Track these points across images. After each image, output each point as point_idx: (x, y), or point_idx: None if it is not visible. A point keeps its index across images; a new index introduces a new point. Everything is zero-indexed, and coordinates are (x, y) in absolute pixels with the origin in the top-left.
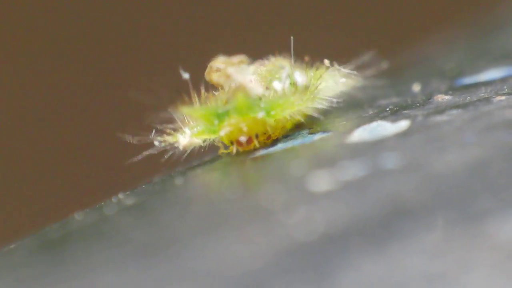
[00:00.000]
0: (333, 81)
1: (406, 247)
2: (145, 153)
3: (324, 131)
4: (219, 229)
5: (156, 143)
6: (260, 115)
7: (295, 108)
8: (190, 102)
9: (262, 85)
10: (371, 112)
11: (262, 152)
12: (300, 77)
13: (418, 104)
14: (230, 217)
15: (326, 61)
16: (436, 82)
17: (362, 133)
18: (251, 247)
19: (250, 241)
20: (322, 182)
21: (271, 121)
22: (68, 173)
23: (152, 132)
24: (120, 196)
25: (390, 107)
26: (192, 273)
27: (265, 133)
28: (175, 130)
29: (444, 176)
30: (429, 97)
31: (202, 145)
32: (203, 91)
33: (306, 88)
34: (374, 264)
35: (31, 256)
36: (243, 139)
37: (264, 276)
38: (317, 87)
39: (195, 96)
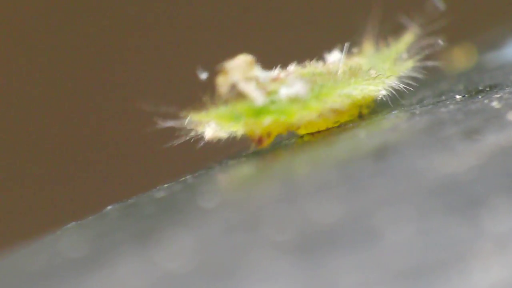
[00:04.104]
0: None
1: None
2: (180, 139)
3: None
4: (432, 145)
5: (188, 129)
6: (267, 121)
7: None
8: (206, 104)
9: (265, 92)
10: None
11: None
12: (300, 84)
13: None
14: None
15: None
16: None
17: None
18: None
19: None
20: None
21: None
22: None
23: (186, 119)
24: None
25: None
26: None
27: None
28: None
29: None
30: None
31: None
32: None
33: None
34: None
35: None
36: (258, 137)
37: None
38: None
39: (208, 99)
